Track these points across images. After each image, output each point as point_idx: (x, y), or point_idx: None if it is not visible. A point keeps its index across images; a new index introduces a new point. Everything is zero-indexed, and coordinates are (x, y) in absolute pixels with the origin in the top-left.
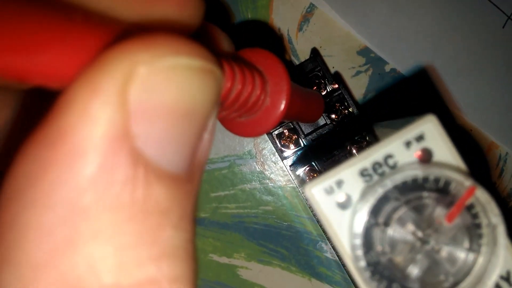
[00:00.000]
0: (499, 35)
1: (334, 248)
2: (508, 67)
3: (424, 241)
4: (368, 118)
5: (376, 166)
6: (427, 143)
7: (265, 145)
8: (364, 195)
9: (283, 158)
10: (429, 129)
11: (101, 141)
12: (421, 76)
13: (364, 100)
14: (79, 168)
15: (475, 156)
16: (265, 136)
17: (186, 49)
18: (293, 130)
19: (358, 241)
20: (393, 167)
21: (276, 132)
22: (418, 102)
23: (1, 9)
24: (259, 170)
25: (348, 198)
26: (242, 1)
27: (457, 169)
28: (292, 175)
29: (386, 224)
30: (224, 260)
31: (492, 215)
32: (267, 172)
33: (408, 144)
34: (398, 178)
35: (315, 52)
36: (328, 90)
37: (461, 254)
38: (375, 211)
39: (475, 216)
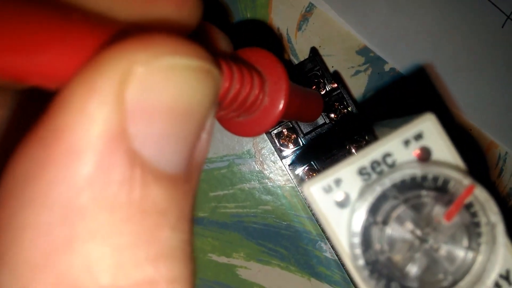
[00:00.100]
0: (498, 34)
1: (332, 247)
2: (508, 66)
3: (422, 240)
4: (367, 117)
5: (374, 164)
6: (425, 142)
7: (264, 144)
8: (362, 193)
9: (282, 158)
10: (428, 127)
11: (98, 140)
12: (420, 75)
13: (363, 99)
14: (76, 167)
15: (474, 156)
16: (264, 135)
17: (184, 49)
18: (292, 129)
19: (357, 240)
20: (392, 166)
21: (275, 131)
22: (417, 102)
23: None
24: (258, 169)
25: (347, 197)
26: (241, 0)
27: (455, 168)
28: (291, 175)
29: (385, 222)
30: (223, 259)
31: (491, 213)
32: (266, 172)
33: (406, 142)
34: (397, 176)
35: (314, 52)
36: (327, 90)
37: (460, 253)
38: (373, 209)
39: (474, 214)
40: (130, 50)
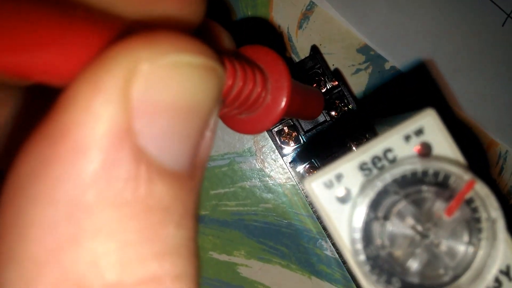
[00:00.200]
0: (498, 33)
1: (333, 242)
2: (508, 66)
3: (423, 235)
4: (368, 114)
5: (375, 160)
6: (426, 137)
7: (265, 142)
8: (363, 189)
9: (283, 155)
10: (429, 123)
11: (104, 138)
12: (421, 74)
13: (363, 97)
14: (81, 165)
15: (474, 154)
16: (265, 133)
17: (188, 46)
18: (293, 127)
19: (358, 235)
20: (393, 161)
21: (276, 129)
22: (418, 100)
23: (2, 6)
24: (259, 167)
25: (348, 192)
26: None
27: (456, 163)
28: (292, 172)
29: (386, 218)
30: (224, 257)
31: (491, 209)
32: (267, 170)
33: (407, 138)
34: (398, 172)
35: (315, 50)
36: (328, 88)
37: (461, 248)
38: (374, 205)
39: (474, 210)
40: (135, 47)
